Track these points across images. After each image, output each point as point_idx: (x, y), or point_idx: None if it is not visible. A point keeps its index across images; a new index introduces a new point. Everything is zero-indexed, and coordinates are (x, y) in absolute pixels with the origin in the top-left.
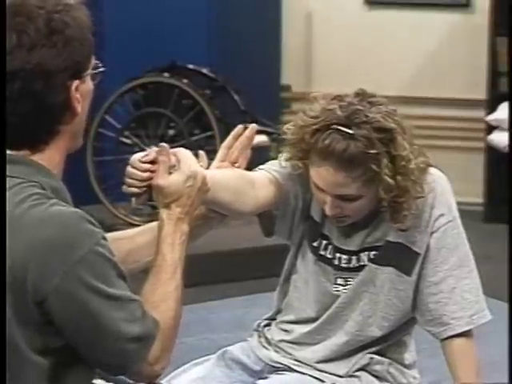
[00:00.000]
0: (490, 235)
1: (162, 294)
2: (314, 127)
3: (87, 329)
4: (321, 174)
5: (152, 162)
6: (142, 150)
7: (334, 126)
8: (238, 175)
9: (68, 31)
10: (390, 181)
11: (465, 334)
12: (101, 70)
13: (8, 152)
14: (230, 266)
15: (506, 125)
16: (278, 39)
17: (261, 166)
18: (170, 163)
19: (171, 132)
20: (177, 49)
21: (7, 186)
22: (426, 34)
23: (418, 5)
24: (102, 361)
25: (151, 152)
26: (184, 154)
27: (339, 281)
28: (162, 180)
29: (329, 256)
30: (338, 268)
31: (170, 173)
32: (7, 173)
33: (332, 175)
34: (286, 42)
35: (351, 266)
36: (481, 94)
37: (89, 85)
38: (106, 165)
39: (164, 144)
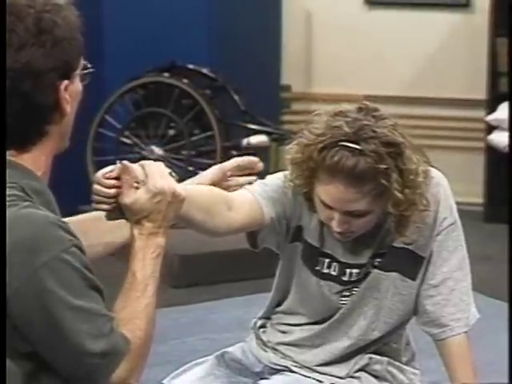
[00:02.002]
0: (490, 235)
1: (131, 313)
2: (321, 145)
3: (49, 337)
4: (329, 192)
5: (117, 178)
6: (142, 149)
7: (342, 143)
8: (214, 194)
9: (57, 31)
10: (400, 195)
11: (463, 335)
12: (90, 70)
13: None
14: (230, 266)
15: (505, 125)
16: (278, 39)
17: (246, 186)
18: (138, 178)
19: (171, 132)
20: (177, 49)
21: None
22: (426, 34)
23: (418, 5)
24: (68, 372)
25: (115, 168)
26: (152, 168)
27: (345, 293)
28: (127, 198)
29: (334, 273)
30: (347, 283)
31: (138, 188)
32: None
33: (342, 192)
34: (286, 41)
35: (360, 277)
36: (481, 94)
37: (78, 86)
38: (106, 165)
39: (125, 162)
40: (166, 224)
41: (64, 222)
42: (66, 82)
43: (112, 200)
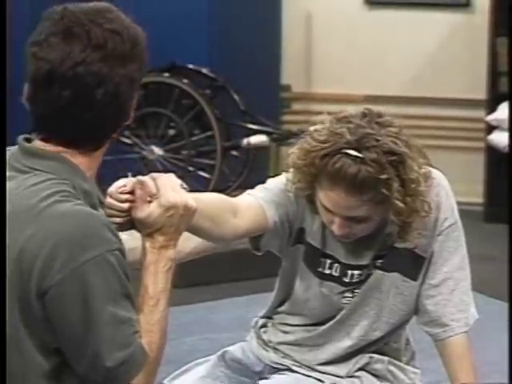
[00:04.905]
0: (491, 235)
1: (144, 326)
2: (323, 152)
3: (78, 333)
4: (331, 198)
5: (131, 192)
6: (142, 149)
7: (344, 151)
8: (220, 202)
9: (143, 44)
10: (401, 204)
11: (463, 335)
12: None
13: (47, 148)
14: (231, 266)
15: (506, 125)
16: (278, 39)
17: (249, 191)
18: (150, 192)
19: (171, 132)
20: (177, 49)
21: (38, 179)
22: (426, 33)
23: (418, 5)
24: (85, 373)
25: (129, 182)
26: (164, 181)
27: (347, 294)
28: (140, 212)
29: (335, 274)
30: (349, 284)
31: (150, 201)
32: (41, 167)
33: (342, 199)
34: (285, 41)
35: (362, 278)
36: (481, 94)
37: None
38: (106, 165)
39: (139, 177)
40: (177, 237)
41: (112, 225)
42: (136, 93)
43: (125, 214)
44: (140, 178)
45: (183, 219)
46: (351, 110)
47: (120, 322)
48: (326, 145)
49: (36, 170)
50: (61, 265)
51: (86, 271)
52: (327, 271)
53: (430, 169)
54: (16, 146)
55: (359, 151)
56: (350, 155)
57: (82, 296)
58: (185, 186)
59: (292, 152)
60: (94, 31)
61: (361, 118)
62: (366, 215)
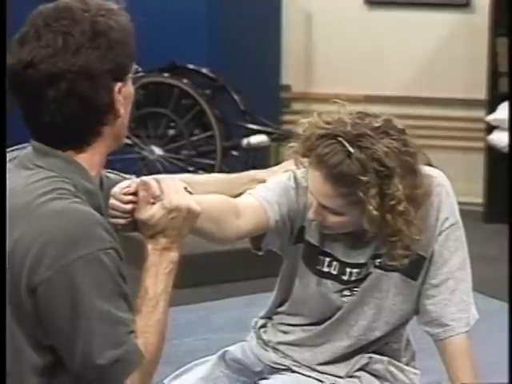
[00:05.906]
0: (491, 235)
1: (142, 327)
2: (321, 132)
3: (67, 331)
4: (313, 178)
5: (134, 193)
6: (142, 149)
7: (339, 138)
8: (223, 203)
9: (112, 34)
10: (374, 212)
11: (463, 335)
12: (141, 74)
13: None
14: (231, 266)
15: (505, 125)
16: (278, 39)
17: (250, 191)
18: (154, 194)
19: (171, 132)
20: (177, 49)
21: (39, 177)
22: (426, 34)
23: (418, 5)
24: (78, 371)
25: (132, 184)
26: (168, 184)
27: (346, 292)
28: (143, 214)
29: (334, 272)
30: (348, 282)
31: (153, 203)
32: (44, 165)
33: (320, 183)
34: (286, 41)
35: (361, 277)
36: (481, 94)
37: (130, 88)
38: (106, 165)
39: (144, 178)
40: (180, 239)
41: (108, 224)
42: (119, 84)
43: (128, 215)
44: (144, 179)
45: (186, 222)
46: (376, 110)
47: (113, 321)
48: (327, 126)
49: (39, 167)
50: (50, 262)
51: (75, 269)
52: (326, 269)
53: (431, 169)
54: (30, 147)
55: (351, 146)
56: (342, 145)
57: (69, 294)
58: (189, 189)
59: (301, 122)
60: (43, 32)
61: (376, 122)
62: (338, 210)
